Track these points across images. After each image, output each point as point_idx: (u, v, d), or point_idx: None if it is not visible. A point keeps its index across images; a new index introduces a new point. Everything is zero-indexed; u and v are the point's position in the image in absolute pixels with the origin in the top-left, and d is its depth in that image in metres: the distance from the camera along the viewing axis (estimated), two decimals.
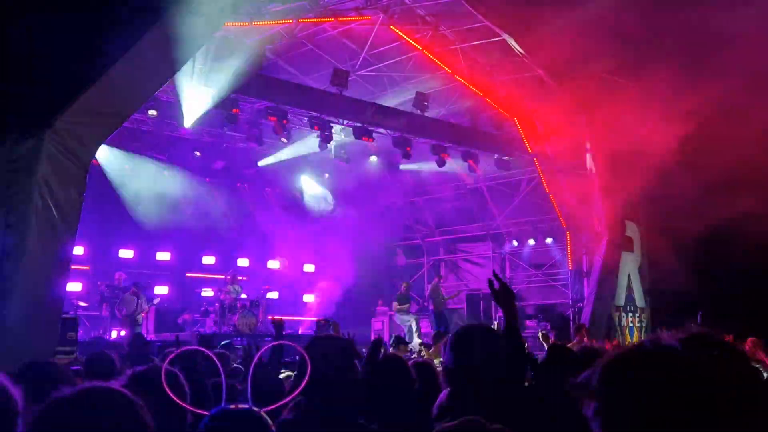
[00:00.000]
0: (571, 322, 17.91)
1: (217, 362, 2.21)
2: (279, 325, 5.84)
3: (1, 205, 8.38)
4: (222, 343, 10.53)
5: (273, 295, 19.23)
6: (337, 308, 18.54)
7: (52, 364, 3.85)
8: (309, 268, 21.01)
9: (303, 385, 2.24)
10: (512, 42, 15.17)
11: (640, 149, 14.96)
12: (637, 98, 14.55)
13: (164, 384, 1.91)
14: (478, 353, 2.67)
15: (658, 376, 1.33)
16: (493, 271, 3.38)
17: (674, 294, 15.76)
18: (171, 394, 1.92)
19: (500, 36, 15.17)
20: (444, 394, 2.99)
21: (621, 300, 18.40)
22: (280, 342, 5.52)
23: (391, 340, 12.73)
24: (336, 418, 2.69)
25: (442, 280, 20.04)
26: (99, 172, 16.21)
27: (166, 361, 2.05)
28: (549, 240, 20.13)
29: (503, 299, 3.25)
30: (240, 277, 17.94)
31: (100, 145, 9.21)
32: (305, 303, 20.37)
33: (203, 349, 2.84)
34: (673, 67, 12.93)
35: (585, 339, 13.19)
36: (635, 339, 17.79)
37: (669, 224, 15.90)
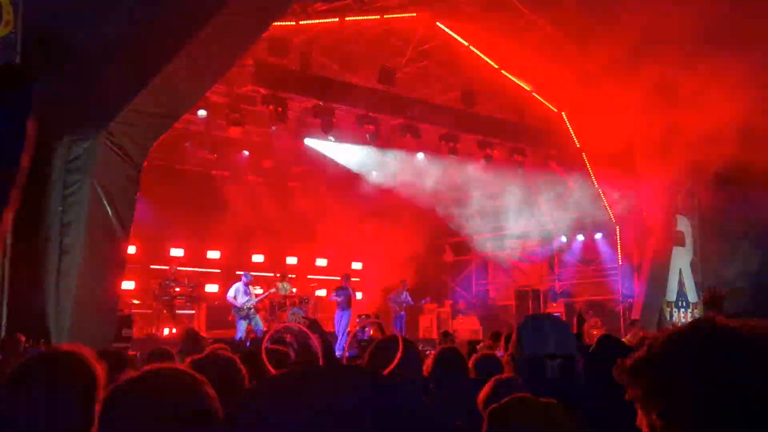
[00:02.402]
0: (622, 318, 17.68)
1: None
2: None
3: (59, 204, 8.62)
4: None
5: (321, 292, 19.37)
6: (384, 306, 18.58)
7: (121, 353, 4.06)
8: (357, 265, 21.10)
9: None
10: (560, 36, 15.03)
11: (691, 144, 14.69)
12: (690, 92, 14.27)
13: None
14: (550, 341, 2.66)
15: (724, 354, 1.29)
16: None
17: (728, 289, 15.45)
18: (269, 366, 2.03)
19: (547, 30, 15.04)
20: (491, 384, 3.00)
21: (672, 295, 18.11)
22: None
23: (439, 336, 12.76)
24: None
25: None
26: (151, 171, 16.49)
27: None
28: (598, 235, 19.89)
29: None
30: (289, 275, 18.12)
31: (152, 145, 9.38)
32: (355, 300, 20.46)
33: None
34: (740, 56, 12.49)
35: (640, 334, 12.96)
36: None
37: (722, 218, 15.60)
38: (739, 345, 1.29)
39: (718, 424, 1.26)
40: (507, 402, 1.96)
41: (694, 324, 1.37)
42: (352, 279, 17.65)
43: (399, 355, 2.36)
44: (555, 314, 15.45)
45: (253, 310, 15.41)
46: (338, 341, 14.90)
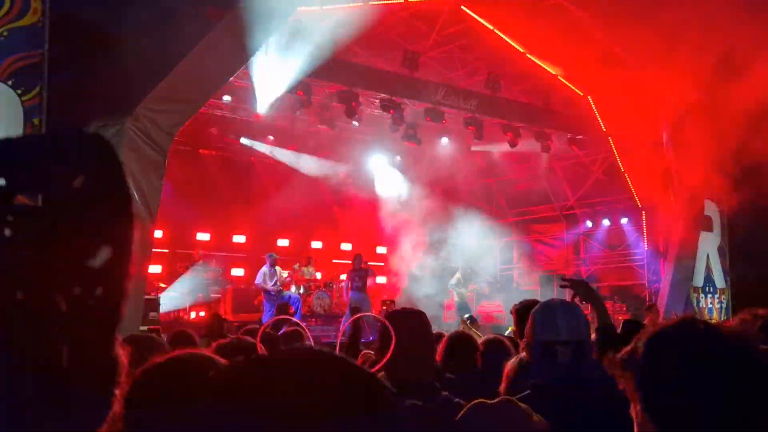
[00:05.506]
0: (647, 303, 17.56)
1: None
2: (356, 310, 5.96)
3: None
4: None
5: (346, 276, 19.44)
6: (408, 289, 18.62)
7: (150, 338, 4.12)
8: (381, 250, 21.14)
9: (388, 355, 2.30)
10: (586, 19, 14.86)
11: (720, 126, 14.49)
12: (722, 76, 14.04)
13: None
14: (561, 327, 2.68)
15: (703, 350, 1.35)
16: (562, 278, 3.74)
17: (758, 275, 15.30)
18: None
19: (574, 13, 14.88)
20: (509, 365, 3.03)
21: (699, 281, 17.94)
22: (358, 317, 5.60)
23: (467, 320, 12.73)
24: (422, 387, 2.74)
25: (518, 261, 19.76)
26: (176, 157, 16.62)
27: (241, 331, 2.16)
28: (624, 220, 19.74)
29: (586, 293, 3.55)
30: (314, 260, 18.20)
31: (177, 130, 9.45)
32: (378, 284, 20.53)
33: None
34: None
35: (659, 319, 12.88)
36: (715, 320, 17.34)
37: (752, 203, 15.39)
38: (715, 347, 1.35)
39: (692, 422, 1.32)
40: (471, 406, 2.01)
41: (677, 323, 1.44)
42: (376, 264, 17.67)
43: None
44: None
45: (282, 290, 15.57)
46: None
